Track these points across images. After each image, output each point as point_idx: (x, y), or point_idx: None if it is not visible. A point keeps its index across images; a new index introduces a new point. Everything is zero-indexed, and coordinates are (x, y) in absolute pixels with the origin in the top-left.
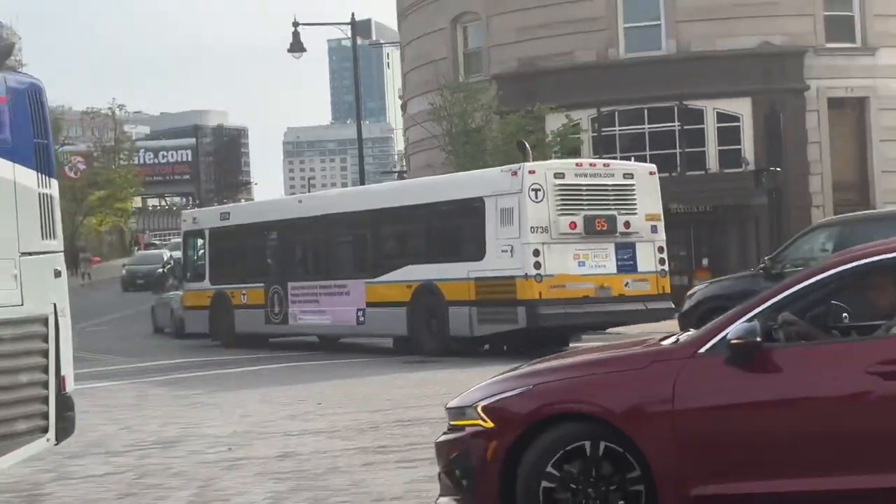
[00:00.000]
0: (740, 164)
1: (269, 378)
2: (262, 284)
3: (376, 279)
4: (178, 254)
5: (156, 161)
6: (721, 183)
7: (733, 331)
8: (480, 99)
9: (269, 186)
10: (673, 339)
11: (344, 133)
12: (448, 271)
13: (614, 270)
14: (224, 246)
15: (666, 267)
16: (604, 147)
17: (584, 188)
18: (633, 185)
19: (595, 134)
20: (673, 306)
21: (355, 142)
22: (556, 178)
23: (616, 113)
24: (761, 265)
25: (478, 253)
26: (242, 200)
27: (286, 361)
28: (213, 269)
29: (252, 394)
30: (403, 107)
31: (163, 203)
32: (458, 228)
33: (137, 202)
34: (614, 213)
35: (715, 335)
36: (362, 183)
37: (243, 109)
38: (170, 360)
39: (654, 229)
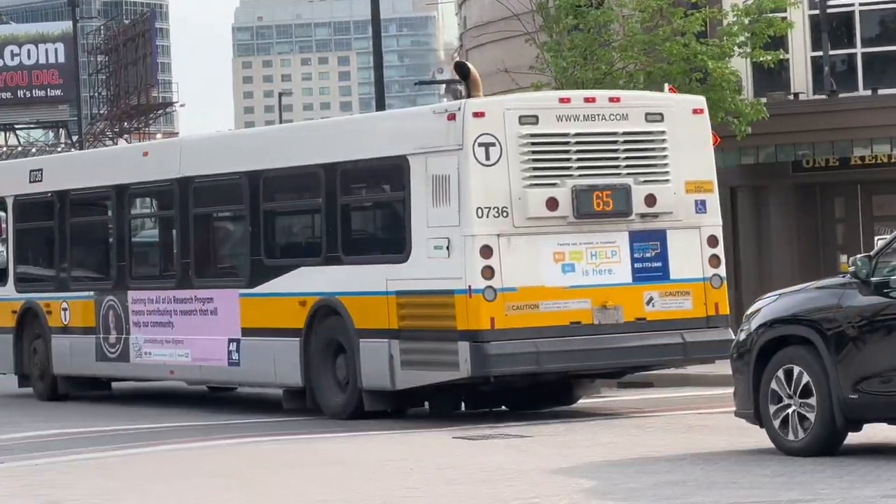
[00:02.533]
0: None
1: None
2: (91, 293)
3: (254, 289)
4: None
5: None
6: None
7: None
8: None
9: (208, 111)
10: None
11: (342, 11)
12: (357, 279)
13: (628, 279)
14: (36, 228)
15: (721, 271)
16: (839, 38)
17: (572, 141)
18: (662, 133)
19: (815, 12)
20: (731, 338)
21: (366, 26)
22: (523, 123)
23: None
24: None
25: (398, 249)
26: (159, 136)
27: (130, 442)
28: (18, 265)
29: None
30: None
31: (11, 142)
32: (371, 208)
33: None
34: (628, 181)
35: None
36: (380, 101)
37: None
38: None
39: (700, 207)
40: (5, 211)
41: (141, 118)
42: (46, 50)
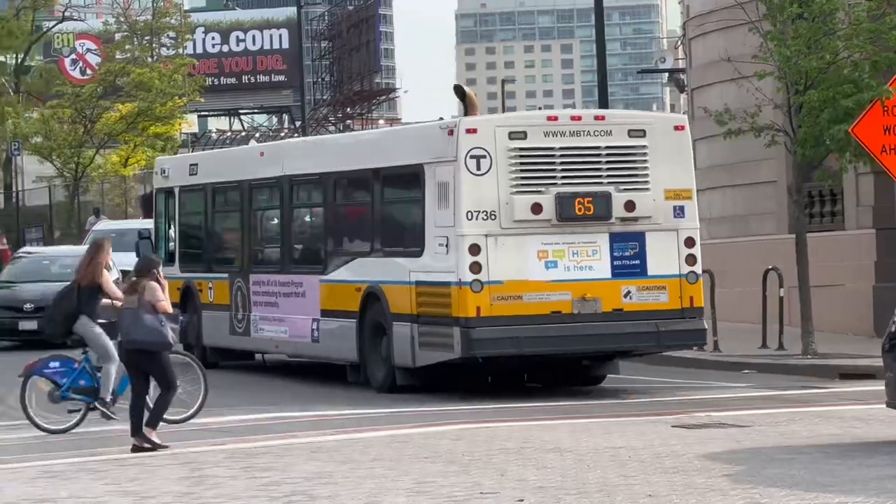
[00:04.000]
0: None
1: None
2: (226, 275)
3: (328, 275)
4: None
5: (225, 49)
6: None
7: None
8: None
9: (430, 98)
10: None
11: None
12: (392, 270)
13: (607, 274)
14: (192, 215)
15: (698, 268)
16: None
17: (558, 154)
18: (644, 147)
19: None
20: (705, 327)
21: (589, 14)
22: (512, 138)
23: None
24: None
25: (417, 245)
26: (382, 122)
27: (341, 427)
28: (181, 248)
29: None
30: None
31: (235, 127)
32: (401, 208)
33: (191, 123)
34: (609, 189)
35: None
36: (602, 89)
37: None
38: None
39: (679, 212)
40: (174, 199)
41: (364, 104)
42: (271, 36)
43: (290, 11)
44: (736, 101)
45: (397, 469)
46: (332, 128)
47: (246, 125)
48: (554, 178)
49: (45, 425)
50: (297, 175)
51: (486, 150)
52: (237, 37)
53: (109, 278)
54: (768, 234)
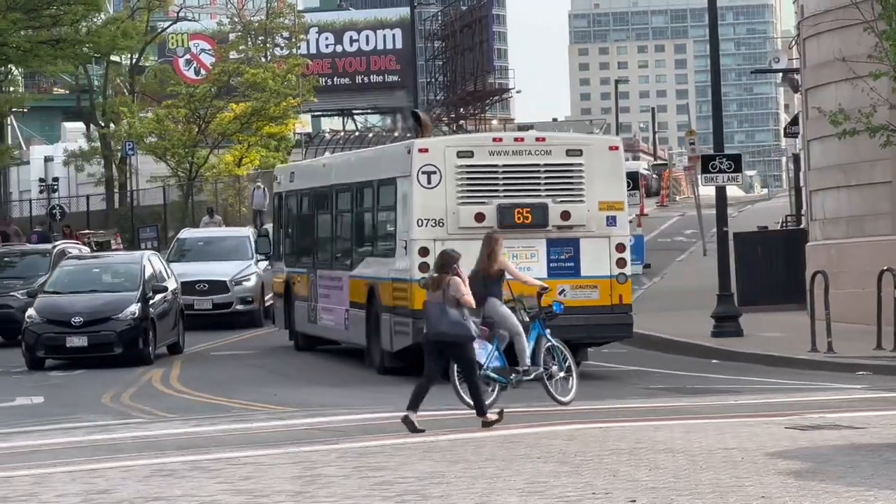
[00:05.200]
0: None
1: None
2: (305, 270)
3: (353, 272)
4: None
5: (338, 49)
6: None
7: None
8: None
9: (544, 98)
10: None
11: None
12: (381, 268)
13: (544, 274)
14: (290, 216)
15: (627, 270)
16: None
17: (501, 170)
18: (580, 165)
19: None
20: (631, 322)
21: (703, 14)
22: (460, 157)
23: None
24: None
25: (393, 248)
26: (495, 122)
27: (453, 427)
28: (284, 246)
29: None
30: None
31: (349, 127)
32: (386, 215)
33: (304, 123)
34: (546, 200)
35: None
36: (715, 89)
37: None
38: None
39: (611, 221)
40: (281, 203)
41: (477, 104)
42: (384, 36)
43: (404, 11)
44: (850, 101)
45: (509, 469)
46: (445, 128)
47: (359, 125)
48: (497, 191)
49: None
50: (337, 184)
51: (436, 167)
52: (350, 37)
53: (512, 264)
54: (883, 234)
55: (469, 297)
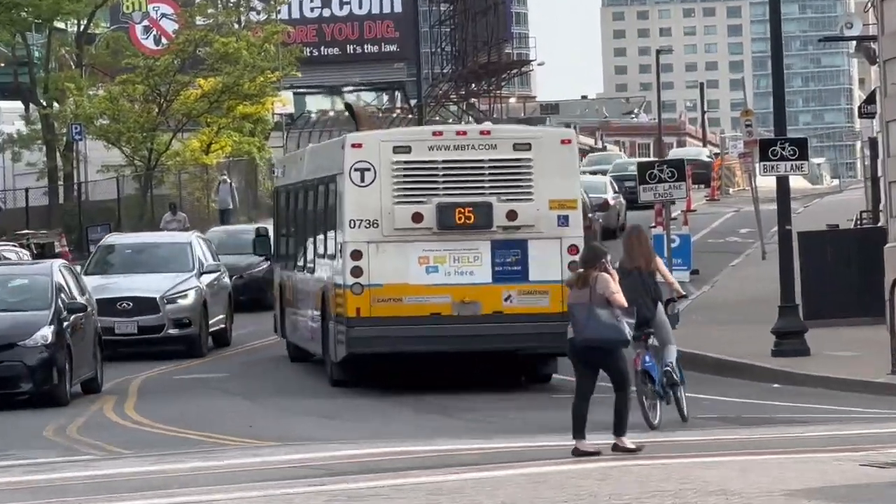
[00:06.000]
0: None
1: None
2: (289, 273)
3: (314, 275)
4: None
5: (326, 14)
6: None
7: None
8: None
9: (570, 71)
10: None
11: None
12: (329, 273)
13: (488, 279)
14: (280, 212)
15: None
16: None
17: (441, 167)
18: (529, 160)
19: None
20: None
21: None
22: (396, 152)
23: None
24: None
25: (335, 251)
26: (512, 101)
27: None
28: (278, 245)
29: None
30: None
31: (339, 107)
32: (331, 214)
33: (286, 102)
34: (490, 199)
35: None
36: (776, 60)
37: None
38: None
39: (562, 221)
40: (275, 198)
41: (492, 79)
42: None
43: None
44: None
45: None
46: (453, 107)
47: (354, 102)
48: (436, 189)
49: (652, 420)
50: (303, 180)
51: (370, 164)
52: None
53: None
54: None
55: (619, 296)
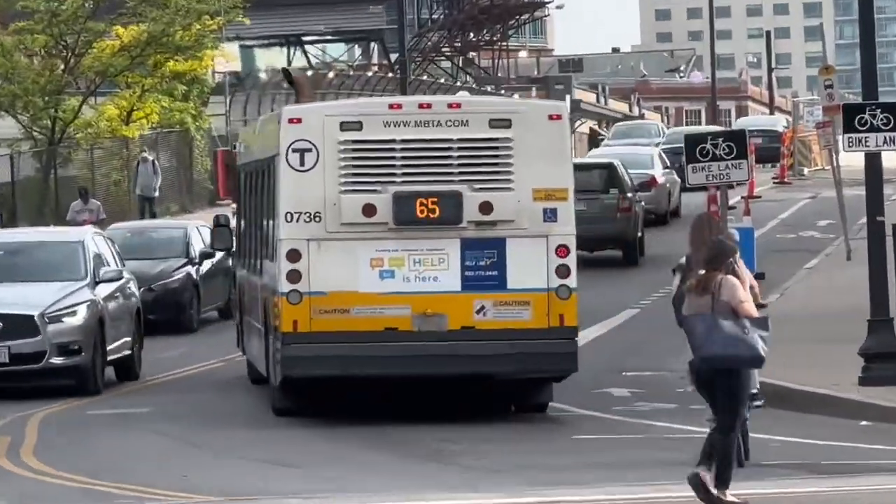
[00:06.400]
0: None
1: None
2: (244, 273)
3: (261, 279)
4: None
5: None
6: None
7: None
8: None
9: (597, 17)
10: None
11: None
12: (268, 275)
13: (456, 287)
14: (239, 199)
15: (571, 281)
16: None
17: (399, 147)
18: (508, 140)
19: None
20: (574, 350)
21: None
22: (344, 130)
23: None
24: None
25: (273, 250)
26: (523, 55)
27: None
28: (238, 235)
29: None
30: None
31: (298, 63)
32: (272, 205)
33: (230, 58)
34: (460, 188)
35: None
36: (866, 30)
37: None
38: None
39: (549, 215)
40: (237, 181)
41: (496, 26)
42: None
43: None
44: None
45: None
46: (445, 64)
47: (314, 61)
48: (393, 175)
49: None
50: (249, 161)
51: (311, 143)
52: None
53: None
54: None
55: (748, 305)
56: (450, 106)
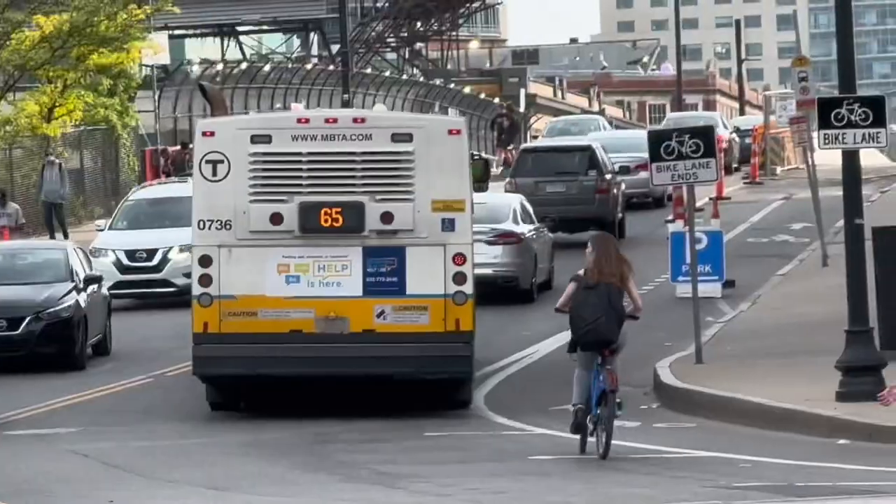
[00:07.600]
0: None
1: None
2: None
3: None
4: None
5: None
6: None
7: None
8: None
9: (554, 5)
10: None
11: None
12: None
13: (358, 292)
14: None
15: (467, 288)
16: None
17: (305, 160)
18: (409, 153)
19: None
20: (468, 354)
21: None
22: (254, 142)
23: None
24: None
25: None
26: (474, 45)
27: None
28: None
29: None
30: None
31: (232, 55)
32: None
33: (159, 49)
34: (362, 199)
35: None
36: (843, 18)
37: None
38: None
39: (447, 225)
40: None
41: (445, 16)
42: None
43: None
44: None
45: None
46: (391, 55)
47: (249, 52)
48: (300, 185)
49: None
50: None
51: (223, 155)
52: None
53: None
54: None
55: None
56: (355, 120)
